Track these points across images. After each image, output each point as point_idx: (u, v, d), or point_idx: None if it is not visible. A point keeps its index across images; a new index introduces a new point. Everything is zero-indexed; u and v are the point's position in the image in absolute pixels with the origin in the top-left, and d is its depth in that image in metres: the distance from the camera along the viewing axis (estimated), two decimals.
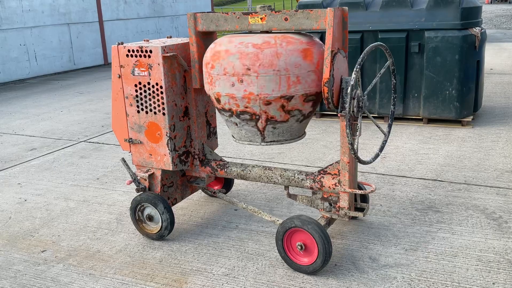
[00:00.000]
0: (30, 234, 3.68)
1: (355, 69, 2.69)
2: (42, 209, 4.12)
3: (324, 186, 3.17)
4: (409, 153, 5.01)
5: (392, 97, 3.18)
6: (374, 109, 6.22)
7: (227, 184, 4.12)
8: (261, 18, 3.05)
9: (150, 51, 3.22)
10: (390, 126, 3.22)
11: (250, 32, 3.18)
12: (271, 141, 3.21)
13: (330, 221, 3.23)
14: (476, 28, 5.71)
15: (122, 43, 3.36)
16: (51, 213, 4.04)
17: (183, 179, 3.71)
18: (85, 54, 13.14)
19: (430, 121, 6.06)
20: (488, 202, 3.81)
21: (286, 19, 2.98)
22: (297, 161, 4.93)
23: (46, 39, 12.05)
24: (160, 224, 3.41)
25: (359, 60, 2.70)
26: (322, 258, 2.86)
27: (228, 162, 3.55)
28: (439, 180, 4.28)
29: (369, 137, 5.62)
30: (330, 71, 2.84)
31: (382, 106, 6.15)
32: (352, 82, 2.70)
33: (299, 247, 2.95)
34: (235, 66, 2.92)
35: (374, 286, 2.82)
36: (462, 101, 5.76)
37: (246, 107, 2.99)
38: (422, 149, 5.11)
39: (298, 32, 3.09)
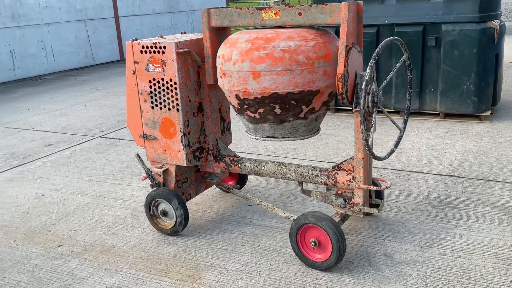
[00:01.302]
0: (47, 229, 3.72)
1: (369, 64, 2.66)
2: (59, 204, 4.17)
3: (338, 182, 3.15)
4: (426, 149, 4.95)
5: (408, 92, 3.14)
6: (390, 104, 6.15)
7: (241, 179, 4.12)
8: (275, 13, 3.03)
9: (164, 47, 3.22)
10: (405, 122, 3.18)
11: (264, 27, 3.16)
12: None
13: (344, 218, 3.21)
14: (495, 20, 5.60)
15: (136, 40, 3.37)
16: (67, 208, 4.08)
17: (197, 174, 3.72)
18: (101, 50, 13.24)
19: (447, 116, 5.97)
20: (506, 198, 3.74)
21: (300, 14, 2.96)
22: (311, 157, 4.90)
23: (63, 35, 12.17)
24: (174, 219, 3.42)
25: (374, 54, 2.66)
26: (336, 254, 2.84)
27: (242, 158, 3.55)
28: (456, 176, 4.22)
29: (384, 133, 5.57)
30: (345, 66, 2.81)
31: (398, 101, 6.09)
32: (366, 77, 2.67)
33: (313, 243, 2.93)
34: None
35: (389, 283, 2.79)
36: (480, 95, 5.66)
37: None
38: (438, 144, 5.05)
39: (312, 27, 3.06)
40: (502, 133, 5.28)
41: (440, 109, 5.91)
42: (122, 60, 13.91)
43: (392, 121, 3.05)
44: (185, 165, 3.41)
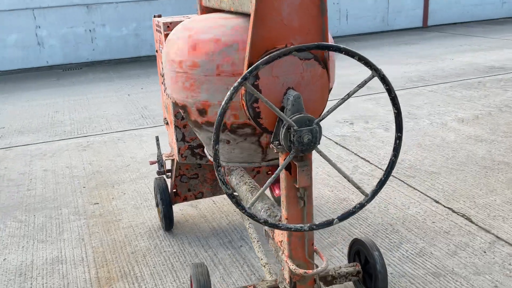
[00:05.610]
0: (112, 185, 4.04)
1: (229, 92, 1.70)
2: (151, 166, 4.41)
3: (274, 239, 2.24)
4: None
5: (395, 137, 1.86)
6: None
7: None
8: None
9: (160, 27, 2.89)
10: (381, 184, 1.92)
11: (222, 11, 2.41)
12: (271, 159, 2.47)
13: None
14: None
15: (160, 16, 3.12)
16: (151, 172, 4.29)
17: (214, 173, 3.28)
18: (401, 15, 12.48)
19: None
20: None
21: None
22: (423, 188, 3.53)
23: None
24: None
25: (248, 70, 1.69)
26: None
27: (237, 169, 2.92)
28: None
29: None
30: None
31: None
32: (220, 110, 1.73)
33: None
34: None
35: None
36: None
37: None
38: None
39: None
40: None
41: None
42: (425, 27, 12.75)
43: (348, 178, 1.90)
44: (178, 160, 3.06)
